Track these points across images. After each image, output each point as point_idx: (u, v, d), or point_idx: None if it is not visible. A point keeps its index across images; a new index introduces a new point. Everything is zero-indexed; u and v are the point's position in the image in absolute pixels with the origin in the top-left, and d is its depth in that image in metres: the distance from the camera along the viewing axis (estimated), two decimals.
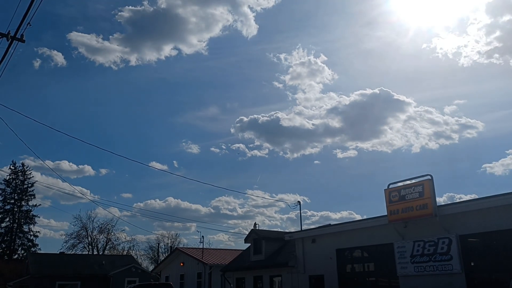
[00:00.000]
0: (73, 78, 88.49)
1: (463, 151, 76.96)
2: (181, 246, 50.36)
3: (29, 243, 63.01)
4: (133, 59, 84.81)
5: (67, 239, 60.47)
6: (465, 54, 78.44)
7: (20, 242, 63.12)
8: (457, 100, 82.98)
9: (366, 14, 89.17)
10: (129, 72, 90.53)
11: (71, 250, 57.67)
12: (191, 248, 40.36)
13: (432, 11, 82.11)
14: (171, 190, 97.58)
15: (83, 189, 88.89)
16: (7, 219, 62.76)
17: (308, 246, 22.13)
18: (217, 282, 32.04)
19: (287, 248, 24.71)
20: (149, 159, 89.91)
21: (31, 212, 64.29)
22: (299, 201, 33.38)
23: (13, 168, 64.28)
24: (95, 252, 59.67)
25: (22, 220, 63.56)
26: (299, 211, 32.54)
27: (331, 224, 24.66)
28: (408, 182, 17.09)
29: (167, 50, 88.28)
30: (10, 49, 13.02)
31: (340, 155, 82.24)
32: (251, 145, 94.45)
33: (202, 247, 36.26)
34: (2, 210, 62.76)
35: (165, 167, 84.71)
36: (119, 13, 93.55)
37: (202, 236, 37.94)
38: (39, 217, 66.10)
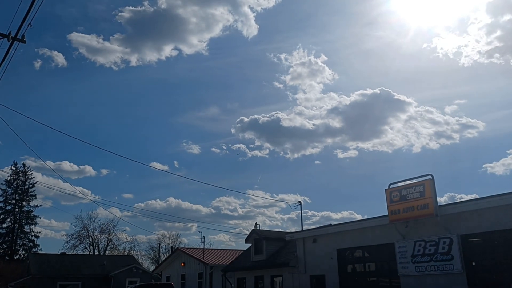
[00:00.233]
0: (73, 79, 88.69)
1: (464, 151, 77.00)
2: (182, 246, 50.40)
3: (30, 244, 63.11)
4: (133, 60, 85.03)
5: (68, 239, 60.69)
6: (465, 54, 78.49)
7: (21, 243, 63.21)
8: (458, 100, 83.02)
9: (367, 14, 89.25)
10: (129, 72, 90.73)
11: (72, 251, 57.83)
12: (192, 248, 40.38)
13: (433, 11, 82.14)
14: (172, 190, 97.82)
15: (84, 189, 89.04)
16: (8, 219, 62.88)
17: (309, 246, 22.12)
18: (218, 282, 32.05)
19: (288, 248, 24.70)
20: (150, 159, 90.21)
21: (32, 213, 64.45)
22: (299, 201, 33.39)
23: (14, 168, 64.44)
24: (96, 253, 59.72)
25: (23, 221, 63.64)
26: (299, 211, 32.51)
27: (332, 224, 24.66)
28: (409, 182, 17.08)
29: (168, 50, 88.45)
30: (11, 50, 13.04)
31: (340, 155, 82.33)
32: (251, 145, 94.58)
33: (203, 247, 36.29)
34: (3, 211, 62.85)
35: (165, 168, 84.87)
36: (120, 14, 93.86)
37: (203, 237, 37.92)
38: (40, 217, 66.28)
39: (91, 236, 61.31)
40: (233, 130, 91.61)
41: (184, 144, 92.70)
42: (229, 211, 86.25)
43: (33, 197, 64.83)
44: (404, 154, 78.25)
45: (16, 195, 63.93)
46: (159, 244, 64.41)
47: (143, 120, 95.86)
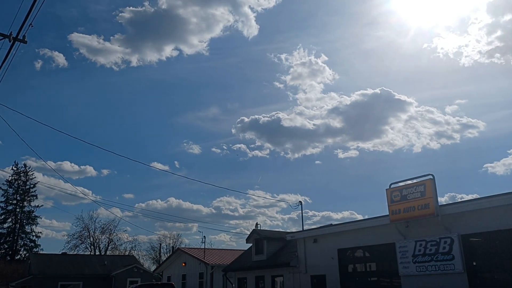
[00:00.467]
0: (74, 79, 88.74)
1: (465, 151, 76.97)
2: (182, 246, 50.43)
3: (31, 244, 63.18)
4: (134, 60, 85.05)
5: (69, 239, 60.77)
6: (466, 53, 78.37)
7: (22, 243, 63.29)
8: (458, 100, 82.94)
9: (367, 14, 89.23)
10: (130, 73, 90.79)
11: (73, 251, 57.90)
12: (193, 248, 40.44)
13: (433, 11, 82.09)
14: (173, 191, 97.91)
15: (85, 189, 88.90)
16: (10, 219, 62.96)
17: (310, 246, 22.13)
18: (219, 282, 32.08)
19: (289, 248, 24.71)
20: (151, 159, 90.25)
21: (33, 213, 64.52)
22: (300, 201, 33.39)
23: (15, 168, 64.54)
24: (97, 253, 59.75)
25: (24, 221, 63.72)
26: (300, 211, 32.52)
27: (333, 224, 24.67)
28: (410, 182, 17.07)
29: (168, 50, 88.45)
30: (12, 50, 13.07)
31: (341, 155, 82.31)
32: (252, 146, 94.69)
33: (203, 247, 36.34)
34: (4, 211, 62.96)
35: (166, 168, 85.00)
36: (120, 14, 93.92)
37: (204, 236, 37.95)
38: (41, 217, 66.39)
39: (92, 236, 61.44)
40: (233, 130, 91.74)
41: (185, 144, 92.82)
42: (230, 211, 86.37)
43: (34, 197, 64.98)
44: (405, 154, 78.32)
45: (17, 195, 64.02)
46: (160, 244, 64.55)
47: (144, 120, 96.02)
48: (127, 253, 60.71)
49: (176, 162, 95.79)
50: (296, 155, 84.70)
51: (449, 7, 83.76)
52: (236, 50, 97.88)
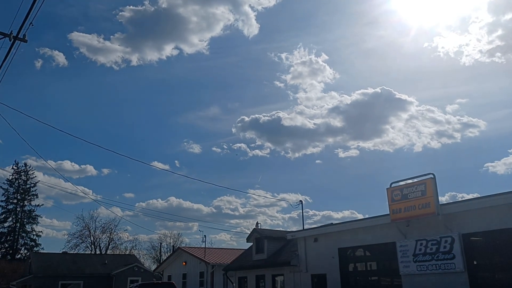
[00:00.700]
0: (74, 78, 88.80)
1: (465, 150, 76.99)
2: (183, 245, 50.47)
3: (32, 243, 63.32)
4: (134, 59, 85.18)
5: (70, 238, 60.79)
6: (467, 53, 78.30)
7: (23, 242, 63.42)
8: (459, 99, 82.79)
9: (368, 14, 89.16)
10: (130, 72, 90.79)
11: (73, 250, 57.94)
12: (193, 247, 40.47)
13: (434, 10, 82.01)
14: (173, 190, 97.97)
15: (86, 188, 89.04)
16: (10, 218, 63.11)
17: (310, 245, 22.12)
18: (219, 281, 32.10)
19: (289, 247, 24.71)
20: (151, 158, 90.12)
21: (34, 212, 64.69)
22: (301, 201, 33.36)
23: (15, 168, 64.67)
24: (98, 252, 59.79)
25: (25, 220, 63.83)
26: (301, 211, 32.50)
27: (333, 223, 24.67)
28: (410, 181, 17.05)
29: (168, 50, 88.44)
30: (12, 49, 13.06)
31: (341, 154, 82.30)
32: (252, 145, 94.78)
33: (204, 246, 36.36)
34: (5, 210, 63.10)
35: (167, 167, 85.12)
36: (120, 13, 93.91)
37: (204, 236, 37.90)
38: (42, 216, 66.63)
39: (92, 235, 61.49)
40: (234, 130, 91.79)
41: (185, 143, 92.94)
42: (230, 210, 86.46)
43: (35, 197, 65.13)
44: (405, 153, 78.32)
45: (18, 194, 64.10)
46: (161, 243, 64.64)
47: (144, 119, 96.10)
48: (127, 252, 60.78)
49: (176, 161, 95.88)
50: (297, 155, 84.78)
51: (450, 6, 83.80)
52: (236, 49, 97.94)
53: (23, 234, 63.21)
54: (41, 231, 65.16)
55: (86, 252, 58.39)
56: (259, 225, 30.22)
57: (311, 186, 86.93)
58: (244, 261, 28.13)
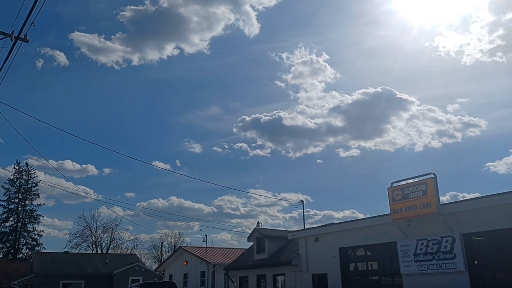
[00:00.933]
0: (75, 78, 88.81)
1: (466, 149, 76.86)
2: (184, 245, 50.51)
3: (33, 242, 63.41)
4: (135, 59, 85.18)
5: (71, 238, 60.83)
6: (467, 52, 78.13)
7: (24, 241, 63.51)
8: (460, 99, 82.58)
9: (368, 13, 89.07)
10: (131, 71, 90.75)
11: (75, 249, 57.99)
12: (194, 247, 40.50)
13: (435, 9, 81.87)
14: (174, 189, 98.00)
15: (87, 188, 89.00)
16: (12, 218, 63.18)
17: (311, 244, 22.14)
18: (220, 281, 32.13)
19: (290, 247, 24.73)
20: (152, 158, 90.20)
21: (35, 212, 64.76)
22: (301, 200, 33.44)
23: (17, 167, 64.73)
24: (99, 251, 59.87)
25: (26, 219, 63.93)
26: (302, 210, 32.54)
27: (334, 223, 24.67)
28: (411, 180, 17.06)
29: (169, 49, 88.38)
30: (13, 49, 13.09)
31: (342, 154, 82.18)
32: (253, 145, 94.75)
33: (205, 246, 36.38)
34: (6, 210, 63.20)
35: (168, 166, 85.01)
36: (121, 13, 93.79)
37: (205, 235, 38.00)
38: (43, 216, 66.72)
39: (93, 234, 61.53)
40: (234, 129, 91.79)
41: (186, 143, 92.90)
42: (231, 210, 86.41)
43: (36, 196, 65.18)
44: (406, 153, 78.19)
45: (19, 194, 64.20)
46: (162, 242, 64.67)
47: (145, 119, 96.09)
48: (128, 251, 60.81)
49: (177, 161, 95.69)
50: (298, 154, 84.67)
51: (451, 5, 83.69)
52: (237, 49, 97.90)
53: (24, 234, 63.32)
54: (42, 231, 65.32)
55: (88, 252, 58.50)
56: (260, 224, 30.26)
57: (312, 185, 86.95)
58: (245, 260, 28.15)
